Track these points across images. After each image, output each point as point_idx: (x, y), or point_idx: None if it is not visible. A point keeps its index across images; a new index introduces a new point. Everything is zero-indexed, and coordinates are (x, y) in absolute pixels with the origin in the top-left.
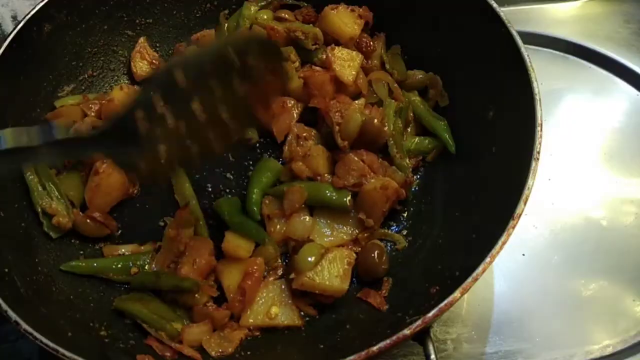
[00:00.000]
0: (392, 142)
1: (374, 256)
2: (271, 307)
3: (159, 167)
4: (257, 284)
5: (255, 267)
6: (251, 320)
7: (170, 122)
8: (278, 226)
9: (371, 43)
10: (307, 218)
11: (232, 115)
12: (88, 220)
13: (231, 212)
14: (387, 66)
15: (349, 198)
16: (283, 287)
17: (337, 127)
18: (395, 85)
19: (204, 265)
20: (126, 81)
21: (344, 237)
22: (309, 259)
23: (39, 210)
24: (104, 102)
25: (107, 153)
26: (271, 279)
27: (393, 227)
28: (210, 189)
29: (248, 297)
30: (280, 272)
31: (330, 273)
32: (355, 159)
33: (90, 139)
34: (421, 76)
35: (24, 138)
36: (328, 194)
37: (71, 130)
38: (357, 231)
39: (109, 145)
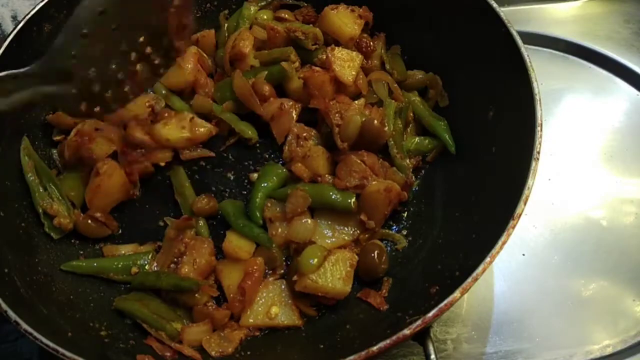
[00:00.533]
0: (392, 142)
1: (374, 256)
2: (271, 307)
3: (96, 102)
4: (257, 284)
5: (255, 267)
6: (251, 320)
7: (97, 48)
8: (280, 229)
9: (371, 43)
10: (309, 220)
11: (153, 41)
12: (89, 221)
13: (236, 214)
14: (387, 66)
15: (353, 200)
16: (283, 287)
17: (337, 129)
18: (395, 85)
19: (204, 265)
20: None
21: (345, 237)
22: (312, 261)
23: (40, 211)
24: None
25: (44, 90)
26: (271, 279)
27: (393, 227)
28: (210, 189)
29: (248, 297)
30: (281, 272)
31: (333, 275)
32: (357, 160)
33: (25, 74)
34: (421, 76)
35: None
36: (332, 196)
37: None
38: (358, 232)
39: (43, 81)
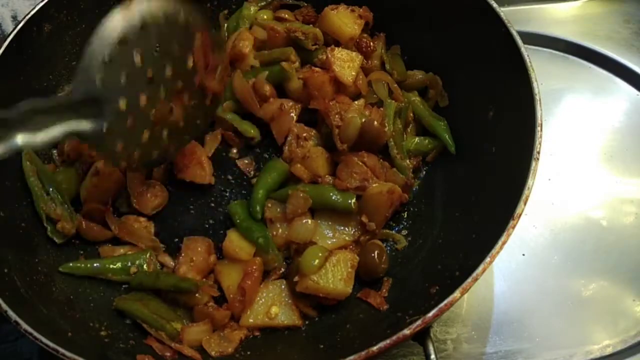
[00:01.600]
0: (392, 142)
1: (374, 256)
2: (271, 307)
3: (133, 142)
4: (257, 284)
5: (254, 267)
6: (251, 320)
7: (122, 76)
8: (280, 230)
9: (371, 43)
10: (309, 221)
11: (187, 88)
12: (92, 225)
13: (242, 216)
14: (387, 66)
15: (353, 200)
16: (283, 287)
17: (336, 130)
18: (395, 85)
19: (202, 263)
20: None
21: (346, 238)
22: (313, 262)
23: (43, 215)
24: None
25: (77, 126)
26: (271, 279)
27: (393, 227)
28: (211, 189)
29: (248, 297)
30: (281, 271)
31: (334, 276)
32: (358, 162)
33: (58, 105)
34: (421, 76)
35: None
36: (333, 197)
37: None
38: (358, 232)
39: (72, 112)
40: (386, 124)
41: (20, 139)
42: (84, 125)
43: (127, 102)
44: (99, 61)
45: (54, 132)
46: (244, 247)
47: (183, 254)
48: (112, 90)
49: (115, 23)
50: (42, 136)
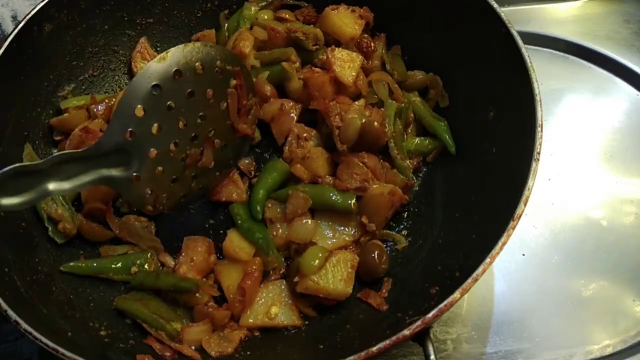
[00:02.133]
0: (392, 143)
1: (374, 256)
2: (271, 307)
3: (161, 188)
4: (257, 284)
5: (254, 267)
6: (251, 320)
7: (154, 126)
8: (280, 230)
9: (372, 43)
10: (309, 221)
11: (218, 131)
12: (93, 225)
13: (244, 217)
14: (388, 67)
15: (353, 201)
16: (283, 287)
17: (336, 131)
18: (396, 85)
19: (202, 263)
20: (127, 81)
21: (346, 238)
22: (313, 262)
23: (45, 216)
24: (111, 106)
25: (106, 174)
26: (271, 279)
27: (393, 227)
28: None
29: (248, 298)
30: (281, 272)
31: (335, 276)
32: (358, 162)
33: (88, 156)
34: (421, 76)
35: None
36: (333, 197)
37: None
38: (358, 233)
39: (102, 163)
40: (386, 125)
41: (51, 186)
42: (113, 173)
43: (158, 151)
44: (131, 113)
45: (84, 179)
46: (244, 247)
47: (183, 254)
48: (144, 141)
49: (150, 75)
50: (72, 184)
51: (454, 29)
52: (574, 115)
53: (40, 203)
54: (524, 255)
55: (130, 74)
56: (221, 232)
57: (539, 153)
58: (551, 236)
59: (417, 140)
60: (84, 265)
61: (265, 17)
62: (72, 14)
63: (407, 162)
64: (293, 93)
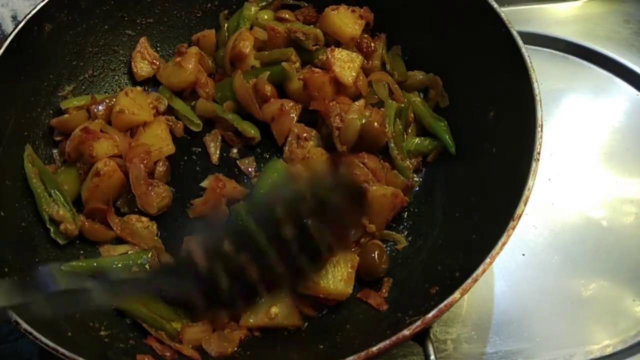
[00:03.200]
0: (392, 143)
1: (374, 256)
2: (271, 307)
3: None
4: None
5: None
6: (251, 321)
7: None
8: None
9: (372, 44)
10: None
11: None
12: (95, 225)
13: (244, 218)
14: (388, 67)
15: None
16: None
17: (336, 132)
18: (396, 85)
19: None
20: (127, 81)
21: None
22: None
23: (46, 217)
24: (111, 106)
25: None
26: None
27: (393, 228)
28: None
29: None
30: None
31: (335, 277)
32: (359, 163)
33: (147, 279)
34: (421, 77)
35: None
36: None
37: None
38: (358, 233)
39: (165, 283)
40: (386, 125)
41: (98, 300)
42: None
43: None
44: (198, 256)
45: (138, 295)
46: None
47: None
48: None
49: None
50: (126, 297)
51: (454, 29)
52: (574, 115)
53: (42, 204)
54: (524, 255)
55: (130, 74)
56: None
57: (539, 153)
58: (551, 236)
59: (417, 140)
60: (84, 264)
61: (265, 17)
62: (72, 13)
63: (407, 162)
64: (293, 93)
